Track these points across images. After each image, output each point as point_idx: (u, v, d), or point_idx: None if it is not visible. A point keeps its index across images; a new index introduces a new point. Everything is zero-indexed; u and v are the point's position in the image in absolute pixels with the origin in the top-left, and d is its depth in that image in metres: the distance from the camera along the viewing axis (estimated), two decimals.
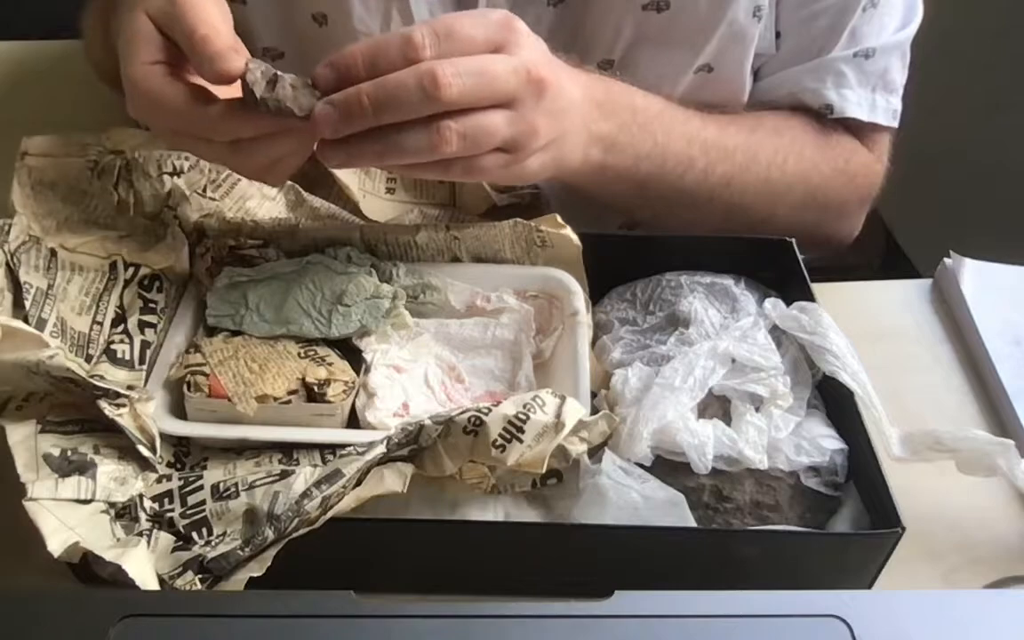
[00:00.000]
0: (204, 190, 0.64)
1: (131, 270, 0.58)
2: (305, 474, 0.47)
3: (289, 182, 0.66)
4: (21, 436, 0.48)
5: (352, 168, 0.67)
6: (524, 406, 0.48)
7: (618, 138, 0.62)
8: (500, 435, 0.47)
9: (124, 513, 0.47)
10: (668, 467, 0.51)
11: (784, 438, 0.52)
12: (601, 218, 0.75)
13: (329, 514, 0.46)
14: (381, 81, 0.48)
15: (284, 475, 0.47)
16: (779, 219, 0.71)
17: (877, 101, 0.74)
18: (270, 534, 0.45)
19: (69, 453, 0.48)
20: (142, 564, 0.43)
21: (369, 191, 0.68)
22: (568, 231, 0.62)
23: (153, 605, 0.38)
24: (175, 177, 0.63)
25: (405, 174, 0.67)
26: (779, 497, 0.50)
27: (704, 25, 0.69)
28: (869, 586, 0.49)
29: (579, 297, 0.60)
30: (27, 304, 0.52)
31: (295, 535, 0.46)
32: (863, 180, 0.76)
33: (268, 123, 0.51)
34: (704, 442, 0.50)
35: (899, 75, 0.75)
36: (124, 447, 0.49)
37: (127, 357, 0.54)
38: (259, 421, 0.51)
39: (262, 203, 0.65)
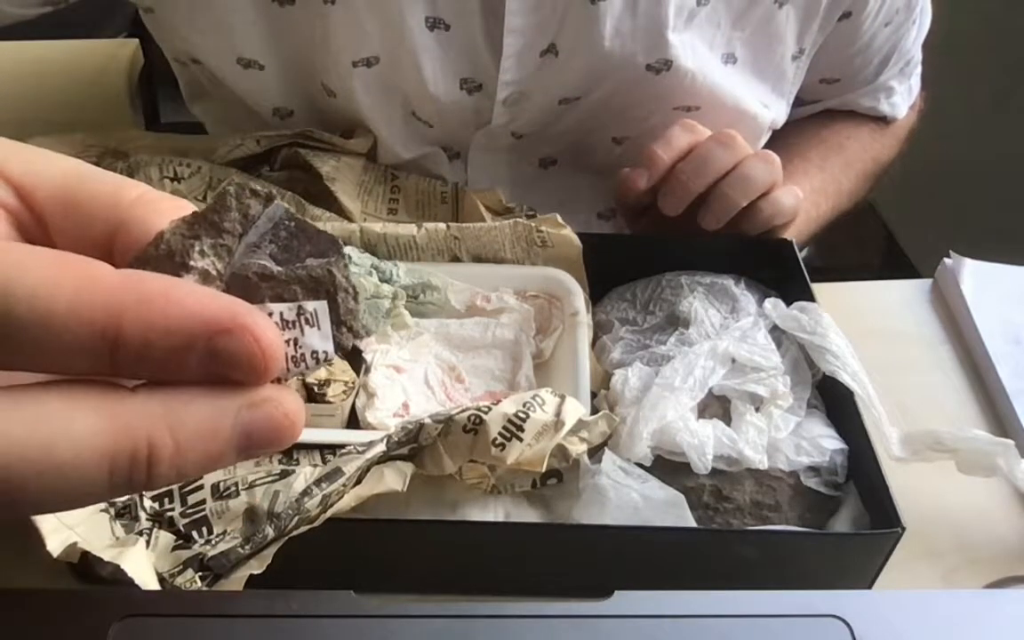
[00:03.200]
0: (204, 198, 0.64)
1: None
2: (305, 473, 0.47)
3: (290, 193, 0.66)
4: None
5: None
6: (524, 405, 0.48)
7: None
8: (500, 434, 0.47)
9: (124, 512, 0.47)
10: (668, 467, 0.51)
11: (784, 438, 0.52)
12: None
13: (329, 512, 0.46)
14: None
15: (284, 475, 0.47)
16: (869, 196, 0.89)
17: (912, 85, 0.87)
18: (270, 532, 0.45)
19: None
20: (140, 564, 0.43)
21: (371, 213, 0.68)
22: (568, 231, 0.62)
23: (153, 605, 0.38)
24: (176, 183, 0.63)
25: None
26: (779, 497, 0.50)
27: (728, 121, 0.73)
28: (869, 586, 0.49)
29: (579, 297, 0.60)
30: None
31: (295, 533, 0.46)
32: (911, 129, 0.91)
33: None
34: (704, 442, 0.50)
35: (919, 53, 0.86)
36: None
37: None
38: None
39: None
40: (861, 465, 0.51)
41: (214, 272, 0.23)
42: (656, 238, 0.67)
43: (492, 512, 0.50)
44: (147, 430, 0.21)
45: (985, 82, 1.45)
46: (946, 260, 0.73)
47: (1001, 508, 0.56)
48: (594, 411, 0.53)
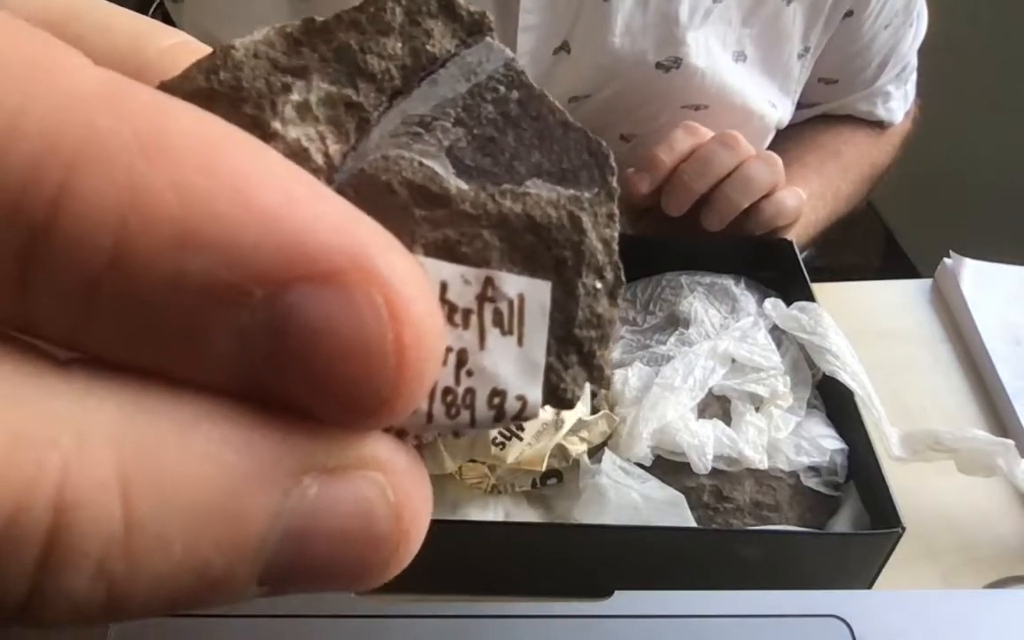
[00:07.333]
0: None
1: None
2: None
3: None
4: None
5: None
6: None
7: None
8: (500, 432, 0.47)
9: None
10: (668, 467, 0.51)
11: (784, 438, 0.52)
12: None
13: None
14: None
15: None
16: (865, 199, 0.90)
17: (908, 91, 0.88)
18: None
19: None
20: None
21: None
22: None
23: None
24: None
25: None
26: (779, 497, 0.50)
27: (736, 121, 0.73)
28: (869, 586, 0.49)
29: None
30: None
31: None
32: (905, 136, 0.92)
33: None
34: (704, 442, 0.50)
35: (915, 59, 0.88)
36: None
37: None
38: None
39: None
40: (861, 465, 0.51)
41: (320, 157, 0.11)
42: (656, 238, 0.67)
43: (492, 512, 0.50)
44: (65, 468, 0.09)
45: (984, 82, 1.45)
46: (946, 260, 0.73)
47: (1001, 508, 0.56)
48: (594, 411, 0.53)
